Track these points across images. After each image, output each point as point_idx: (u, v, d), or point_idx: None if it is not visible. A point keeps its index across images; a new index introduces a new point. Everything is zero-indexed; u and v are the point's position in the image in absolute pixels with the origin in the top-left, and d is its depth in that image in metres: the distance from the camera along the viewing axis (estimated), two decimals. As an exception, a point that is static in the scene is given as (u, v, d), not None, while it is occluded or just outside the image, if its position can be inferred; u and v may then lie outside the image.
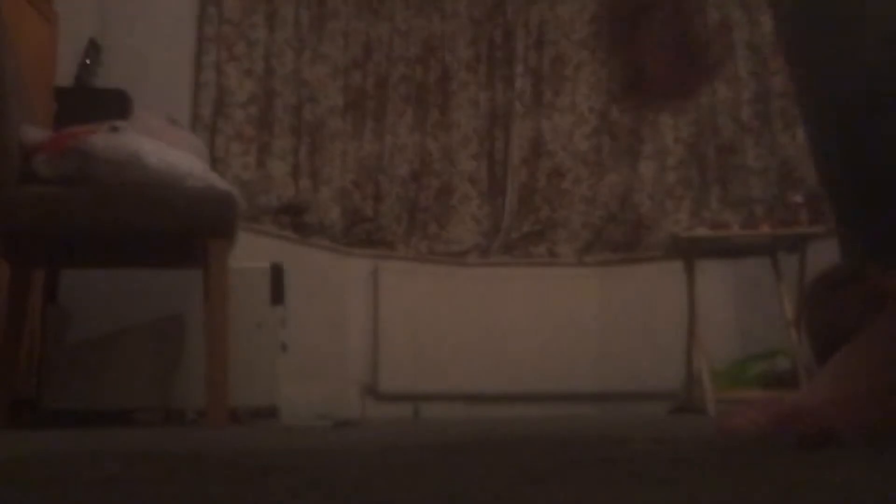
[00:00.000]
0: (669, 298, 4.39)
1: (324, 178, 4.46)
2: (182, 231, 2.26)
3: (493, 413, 3.82)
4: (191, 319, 2.75)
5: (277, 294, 2.86)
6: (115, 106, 3.05)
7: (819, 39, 1.04)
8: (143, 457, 0.68)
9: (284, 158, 4.26)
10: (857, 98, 0.97)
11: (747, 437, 0.91)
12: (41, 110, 2.81)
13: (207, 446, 0.84)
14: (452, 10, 4.87)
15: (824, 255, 3.49)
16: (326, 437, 1.04)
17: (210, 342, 2.25)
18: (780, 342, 3.70)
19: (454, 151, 4.85)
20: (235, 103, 4.09)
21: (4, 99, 2.13)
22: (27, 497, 0.42)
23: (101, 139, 2.17)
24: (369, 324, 4.49)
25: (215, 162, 3.91)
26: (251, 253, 3.28)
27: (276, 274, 2.87)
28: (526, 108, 4.83)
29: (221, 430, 1.90)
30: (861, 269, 3.37)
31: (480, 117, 4.86)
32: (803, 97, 1.08)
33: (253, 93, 4.15)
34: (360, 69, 4.73)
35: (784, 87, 4.30)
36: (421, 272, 4.55)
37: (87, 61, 3.21)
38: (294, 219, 4.29)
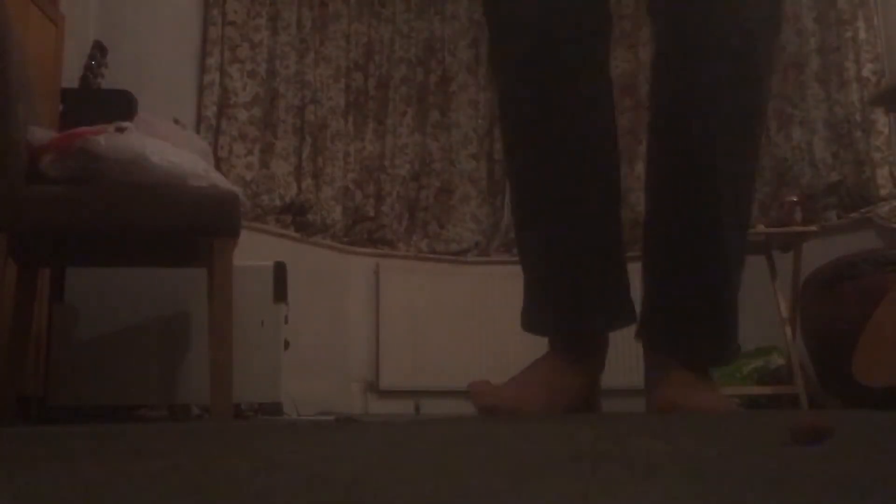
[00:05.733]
0: (667, 296, 4.42)
1: (326, 177, 4.49)
2: (186, 230, 2.26)
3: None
4: (195, 317, 2.76)
5: (280, 292, 2.87)
6: (121, 107, 3.06)
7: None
8: (148, 453, 0.69)
9: (287, 158, 4.29)
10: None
11: (498, 411, 1.33)
12: (47, 111, 2.82)
13: (212, 442, 0.86)
14: (453, 12, 4.89)
15: (818, 253, 3.52)
16: (329, 432, 1.05)
17: (214, 339, 2.25)
18: (774, 339, 3.72)
19: (454, 151, 4.87)
20: (239, 104, 4.11)
21: (11, 100, 2.14)
22: (33, 493, 0.43)
23: (107, 139, 2.18)
24: (370, 321, 4.52)
25: (219, 162, 3.94)
26: (254, 251, 3.31)
27: (279, 272, 2.88)
28: (525, 109, 4.85)
29: (226, 426, 1.90)
30: (853, 268, 3.39)
31: (480, 118, 4.89)
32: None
33: (256, 94, 4.18)
34: (362, 71, 4.76)
35: (778, 88, 4.33)
36: (421, 270, 4.58)
37: (93, 63, 3.23)
38: (296, 218, 4.32)
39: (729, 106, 1.41)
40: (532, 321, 1.58)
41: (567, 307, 1.50)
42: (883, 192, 3.78)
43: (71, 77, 3.16)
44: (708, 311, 1.46)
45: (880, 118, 3.83)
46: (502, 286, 4.39)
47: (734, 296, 1.47)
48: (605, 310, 1.52)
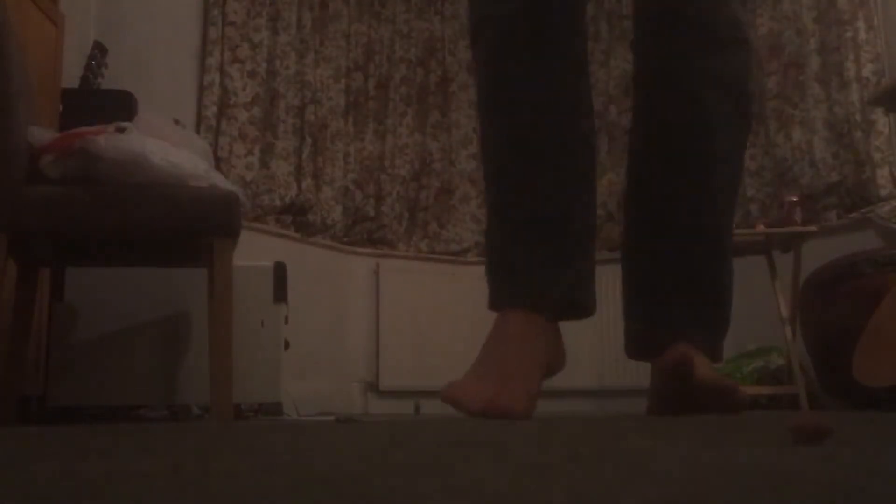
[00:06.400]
0: (667, 296, 4.42)
1: (326, 177, 4.49)
2: (186, 230, 2.26)
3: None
4: (195, 317, 2.76)
5: (280, 292, 2.87)
6: (121, 107, 3.06)
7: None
8: (148, 453, 0.69)
9: (287, 159, 4.29)
10: None
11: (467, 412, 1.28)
12: (47, 111, 2.82)
13: (212, 442, 0.86)
14: (452, 12, 4.89)
15: (818, 253, 3.52)
16: (329, 432, 1.05)
17: (214, 339, 2.25)
18: (774, 339, 3.72)
19: (454, 151, 4.88)
20: (239, 104, 4.11)
21: (12, 100, 2.14)
22: (33, 493, 0.43)
23: (107, 140, 2.18)
24: (371, 321, 4.52)
25: (219, 162, 3.94)
26: (254, 252, 3.31)
27: (279, 272, 2.88)
28: (525, 109, 4.85)
29: (226, 426, 1.89)
30: (854, 268, 3.38)
31: (480, 117, 4.89)
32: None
33: (256, 94, 4.18)
34: (362, 71, 4.76)
35: (779, 88, 4.33)
36: (421, 270, 4.58)
37: (93, 63, 3.23)
38: (296, 218, 4.32)
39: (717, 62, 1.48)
40: (494, 277, 1.52)
41: (532, 252, 1.45)
42: (883, 192, 3.78)
43: (71, 77, 3.16)
44: (702, 293, 1.51)
45: (880, 118, 3.83)
46: (502, 286, 4.38)
47: (729, 278, 1.53)
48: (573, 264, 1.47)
